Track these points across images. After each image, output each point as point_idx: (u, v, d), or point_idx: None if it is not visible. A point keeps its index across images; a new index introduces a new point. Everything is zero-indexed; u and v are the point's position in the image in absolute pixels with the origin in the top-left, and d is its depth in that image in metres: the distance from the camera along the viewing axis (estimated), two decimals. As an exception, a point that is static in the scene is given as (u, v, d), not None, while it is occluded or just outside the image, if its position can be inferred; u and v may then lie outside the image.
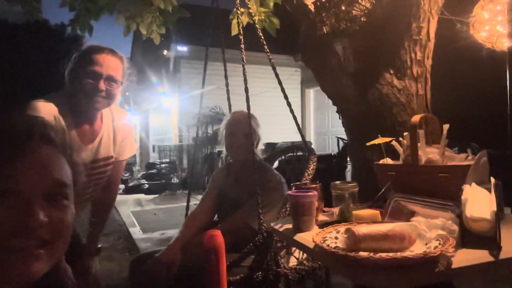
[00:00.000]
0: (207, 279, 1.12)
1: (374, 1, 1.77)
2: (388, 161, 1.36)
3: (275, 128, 7.18)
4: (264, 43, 1.92)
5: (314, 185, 1.23)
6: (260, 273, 1.50)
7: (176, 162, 9.09)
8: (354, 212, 1.11)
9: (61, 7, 2.63)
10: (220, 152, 8.78)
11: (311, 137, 9.11)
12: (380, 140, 1.34)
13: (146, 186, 8.04)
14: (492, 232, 0.88)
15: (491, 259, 0.84)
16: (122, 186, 7.77)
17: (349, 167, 5.43)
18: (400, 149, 1.32)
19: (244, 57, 1.79)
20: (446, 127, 1.26)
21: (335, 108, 1.97)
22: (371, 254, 0.77)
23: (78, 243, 1.59)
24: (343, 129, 1.98)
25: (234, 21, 2.39)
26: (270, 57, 1.93)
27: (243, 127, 1.82)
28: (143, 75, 9.11)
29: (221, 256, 1.14)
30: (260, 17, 2.32)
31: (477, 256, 0.84)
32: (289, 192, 1.14)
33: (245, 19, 2.32)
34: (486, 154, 1.17)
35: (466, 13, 1.83)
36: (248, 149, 1.84)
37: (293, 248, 1.66)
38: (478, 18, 1.73)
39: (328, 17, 1.81)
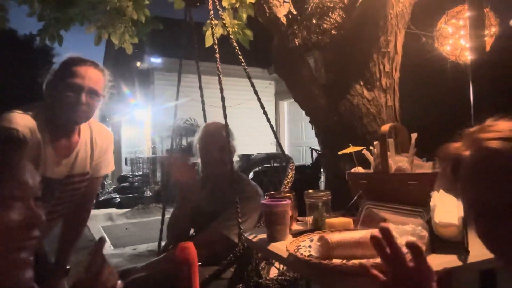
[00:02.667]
0: (180, 293, 1.09)
1: (344, 15, 1.82)
2: (359, 169, 1.38)
3: (250, 140, 7.20)
4: (239, 53, 1.93)
5: (287, 194, 1.24)
6: (241, 285, 1.48)
7: (149, 174, 8.91)
8: (327, 220, 1.12)
9: (28, 16, 2.55)
10: (195, 164, 8.65)
11: (285, 148, 9.18)
12: (351, 149, 1.37)
13: (118, 200, 7.82)
14: (460, 237, 0.91)
15: (459, 263, 0.86)
16: (92, 201, 7.51)
17: (322, 178, 5.50)
18: (370, 158, 1.34)
19: (220, 66, 1.80)
20: (414, 136, 1.29)
21: (308, 119, 2.00)
22: (344, 261, 0.78)
23: (46, 263, 1.51)
24: (316, 140, 2.01)
25: (208, 33, 2.40)
26: (245, 66, 1.94)
27: (217, 140, 1.81)
28: (115, 86, 8.95)
29: (194, 268, 1.12)
30: (233, 29, 2.34)
31: (446, 260, 0.86)
32: (263, 201, 1.14)
33: (218, 31, 2.34)
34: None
35: (431, 28, 1.92)
36: (223, 161, 1.83)
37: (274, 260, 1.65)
38: (442, 32, 1.82)
39: (300, 30, 1.85)
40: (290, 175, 1.89)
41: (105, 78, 1.46)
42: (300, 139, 9.03)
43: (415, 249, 0.61)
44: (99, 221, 6.14)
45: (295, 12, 1.88)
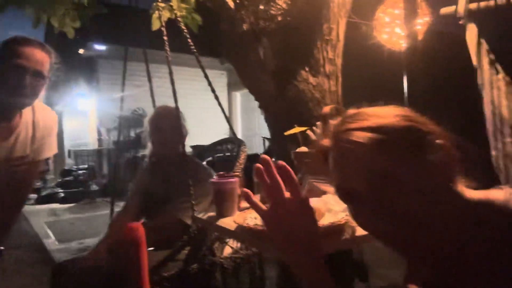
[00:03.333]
0: (128, 272, 1.09)
1: (289, 2, 1.88)
2: (304, 149, 1.46)
3: (202, 130, 7.13)
4: (188, 36, 1.92)
5: (235, 173, 1.27)
6: (195, 265, 1.50)
7: (95, 168, 8.54)
8: (273, 195, 1.17)
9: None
10: (144, 156, 8.41)
11: (239, 137, 9.25)
12: (296, 130, 1.43)
13: (62, 194, 7.43)
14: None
15: (389, 226, 0.94)
16: (33, 196, 7.06)
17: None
18: (313, 137, 1.42)
19: (168, 49, 1.78)
20: (353, 116, 1.39)
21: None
22: (286, 227, 0.83)
23: None
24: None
25: (155, 16, 2.35)
26: (195, 51, 1.94)
27: (169, 121, 1.80)
28: (61, 69, 8.43)
29: (142, 248, 1.12)
30: (181, 13, 2.31)
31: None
32: (212, 179, 1.17)
33: (166, 14, 2.29)
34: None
35: (370, 17, 2.04)
36: (175, 142, 1.82)
37: (229, 240, 1.69)
38: (380, 21, 1.94)
39: (248, 15, 1.88)
40: (242, 157, 1.94)
41: (51, 60, 1.39)
42: (253, 130, 9.13)
43: (286, 174, 0.64)
44: (42, 217, 5.80)
45: (242, -2, 1.90)
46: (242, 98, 9.90)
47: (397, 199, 0.54)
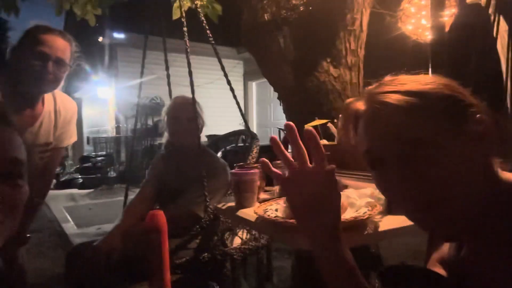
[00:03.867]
0: (149, 260, 1.10)
1: (312, -9, 1.84)
2: (324, 142, 1.44)
3: (217, 120, 7.16)
4: (207, 27, 1.91)
5: (256, 165, 1.27)
6: (206, 254, 1.51)
7: (113, 155, 8.69)
8: (293, 187, 1.17)
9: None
10: (161, 145, 8.50)
11: (253, 129, 9.23)
12: (317, 122, 1.42)
13: (80, 180, 7.60)
14: (413, 200, 0.98)
15: (411, 223, 0.93)
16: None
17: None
18: (334, 130, 1.40)
19: (187, 40, 1.77)
20: (376, 109, 1.36)
21: (277, 101, 2.03)
22: (308, 220, 0.82)
23: None
24: (284, 121, 2.04)
25: (176, 5, 2.35)
26: (213, 42, 1.93)
27: (186, 111, 1.80)
28: (81, 58, 8.56)
29: (164, 235, 1.13)
30: (202, 3, 2.30)
31: (401, 220, 0.93)
32: (232, 170, 1.17)
33: (186, 4, 2.29)
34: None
35: (395, 7, 1.99)
36: (192, 133, 1.83)
37: (238, 230, 1.70)
38: (405, 12, 1.89)
39: (269, 4, 1.86)
40: (255, 151, 1.93)
41: (72, 48, 1.43)
42: (268, 120, 9.11)
43: (313, 141, 0.61)
44: (60, 202, 5.96)
45: (265, -13, 1.88)
46: (257, 88, 9.86)
47: (428, 167, 0.53)
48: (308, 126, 1.41)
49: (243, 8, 1.93)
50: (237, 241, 1.75)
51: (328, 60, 1.84)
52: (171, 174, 1.89)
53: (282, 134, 6.43)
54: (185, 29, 1.80)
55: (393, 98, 0.56)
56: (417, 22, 1.90)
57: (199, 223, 1.61)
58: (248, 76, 9.70)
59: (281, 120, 8.96)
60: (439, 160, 0.53)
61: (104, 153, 8.70)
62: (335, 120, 1.42)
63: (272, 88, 2.07)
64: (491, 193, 0.54)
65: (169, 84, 2.37)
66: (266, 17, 1.85)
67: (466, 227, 0.56)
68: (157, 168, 2.00)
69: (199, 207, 1.70)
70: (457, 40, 1.72)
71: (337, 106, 1.83)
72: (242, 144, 2.31)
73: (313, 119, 1.54)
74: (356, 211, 0.90)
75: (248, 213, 1.08)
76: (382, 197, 0.96)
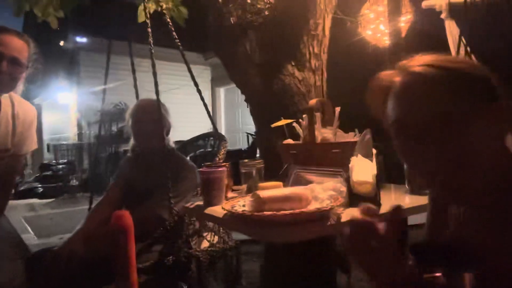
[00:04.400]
0: (116, 261, 1.09)
1: (276, -4, 1.90)
2: (290, 141, 1.49)
3: (184, 126, 7.09)
4: (173, 29, 1.92)
5: (223, 163, 1.29)
6: (171, 257, 1.50)
7: (75, 162, 8.38)
8: (260, 184, 1.20)
9: None
10: (126, 151, 8.31)
11: (222, 132, 9.24)
12: (282, 122, 1.46)
13: (40, 189, 7.26)
14: (373, 193, 1.04)
15: (372, 214, 0.98)
16: (10, 191, 6.87)
17: (257, 161, 5.66)
18: (300, 130, 1.45)
19: (151, 42, 1.77)
20: (337, 109, 1.42)
21: (245, 106, 2.06)
22: (274, 212, 0.85)
23: None
24: (253, 126, 2.07)
25: (141, 7, 2.33)
26: (179, 44, 1.93)
27: (151, 113, 1.78)
28: (41, 61, 8.22)
29: (130, 236, 1.13)
30: (168, 6, 2.30)
31: (361, 212, 0.98)
32: (200, 169, 1.18)
33: (152, 6, 2.28)
34: (370, 132, 1.35)
35: (355, 13, 2.09)
36: (158, 135, 1.81)
37: (205, 233, 1.70)
38: (365, 18, 1.99)
39: (235, 8, 1.89)
40: (222, 152, 1.95)
41: (30, 49, 1.39)
42: (237, 125, 9.14)
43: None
44: (20, 212, 5.66)
45: (230, -9, 1.92)
46: (225, 94, 9.88)
47: (452, 137, 0.58)
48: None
49: (209, 11, 1.95)
50: (205, 244, 1.75)
51: (293, 63, 1.90)
52: (137, 176, 1.87)
53: (251, 139, 6.43)
54: (149, 29, 1.79)
55: (427, 71, 0.60)
56: (376, 28, 2.00)
57: (164, 225, 1.59)
58: (215, 82, 9.70)
59: (250, 125, 9.01)
60: (463, 132, 0.58)
61: (65, 160, 8.37)
62: (300, 120, 1.46)
63: (240, 94, 2.10)
64: (505, 166, 0.60)
65: (136, 88, 2.34)
66: (232, 21, 1.88)
67: (477, 194, 0.61)
68: (123, 171, 1.97)
69: (166, 209, 1.69)
70: (414, 45, 1.83)
71: (302, 107, 1.88)
72: (211, 149, 2.32)
73: (278, 120, 1.58)
74: (320, 203, 0.93)
75: (216, 210, 1.09)
76: (344, 189, 1.01)
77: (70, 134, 8.88)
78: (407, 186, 1.23)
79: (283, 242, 0.88)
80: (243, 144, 8.08)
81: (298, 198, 0.92)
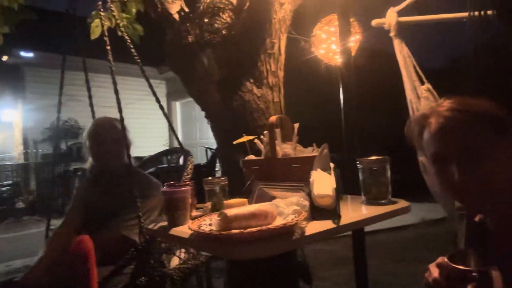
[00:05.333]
0: (77, 286, 1.05)
1: (233, 16, 1.95)
2: (252, 157, 1.52)
3: (141, 141, 6.93)
4: (131, 46, 1.90)
5: (187, 182, 1.29)
6: (143, 278, 1.47)
7: (21, 183, 7.84)
8: (225, 202, 1.21)
9: None
10: (77, 170, 7.94)
11: (178, 149, 9.09)
12: (245, 139, 1.50)
13: (-18, 214, 6.70)
14: (333, 205, 1.09)
15: (333, 226, 1.03)
16: None
17: (217, 175, 5.64)
18: (261, 146, 1.49)
19: (111, 60, 1.75)
20: (296, 125, 1.48)
21: (203, 120, 2.08)
22: (241, 230, 0.87)
23: None
24: (211, 140, 2.10)
25: (94, 24, 2.30)
26: (139, 61, 1.92)
27: (110, 132, 1.75)
28: None
29: (91, 261, 1.09)
30: (123, 23, 2.28)
31: (324, 225, 1.03)
32: (164, 189, 1.17)
33: (106, 23, 2.24)
34: (327, 147, 1.42)
35: (309, 33, 2.19)
36: (118, 155, 1.78)
37: (177, 250, 1.68)
38: (317, 38, 2.09)
39: (193, 27, 1.92)
40: (190, 167, 1.95)
41: None
42: (194, 139, 9.04)
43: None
44: (-43, 240, 5.19)
45: (187, 10, 1.94)
46: (182, 108, 9.78)
47: (479, 164, 0.77)
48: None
49: (167, 29, 1.96)
50: (175, 261, 1.72)
51: (252, 80, 1.95)
52: (98, 198, 1.81)
53: (209, 153, 6.36)
54: (108, 47, 1.77)
55: (457, 115, 0.80)
56: (328, 47, 2.11)
57: (133, 247, 1.56)
58: (171, 96, 9.58)
59: (208, 139, 8.96)
60: (488, 159, 0.77)
61: (10, 182, 7.80)
62: (262, 137, 1.50)
63: (197, 107, 2.12)
64: None
65: (91, 106, 2.28)
66: (189, 39, 1.90)
67: (502, 208, 0.79)
68: (82, 194, 1.90)
69: (132, 230, 1.65)
70: (364, 62, 1.95)
71: (261, 123, 1.93)
72: (174, 164, 2.29)
73: (240, 136, 1.61)
74: (285, 218, 0.97)
75: (182, 230, 1.09)
76: (306, 203, 1.06)
77: (14, 154, 8.31)
78: (363, 197, 1.30)
79: (251, 259, 0.90)
80: (201, 159, 8.02)
81: (264, 215, 0.95)
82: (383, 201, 1.25)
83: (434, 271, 0.77)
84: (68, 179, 7.09)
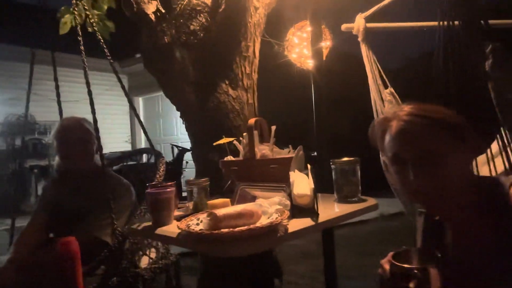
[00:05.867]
0: (64, 288, 1.06)
1: (209, 19, 1.98)
2: (230, 158, 1.58)
3: (102, 137, 6.72)
4: (102, 41, 1.89)
5: (170, 183, 1.32)
6: (115, 279, 1.48)
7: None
8: (209, 202, 1.26)
9: None
10: (33, 167, 7.57)
11: (142, 145, 8.90)
12: (224, 140, 1.55)
13: None
14: (312, 204, 1.18)
15: (312, 223, 1.12)
16: None
17: (184, 173, 5.61)
18: (240, 147, 1.55)
19: (85, 59, 1.73)
20: (273, 128, 1.56)
21: (167, 116, 2.10)
22: (231, 229, 0.93)
23: None
24: (174, 136, 2.12)
25: (64, 20, 2.24)
26: (109, 57, 1.91)
27: (78, 132, 1.75)
28: None
29: (78, 262, 1.10)
30: (93, 19, 2.24)
31: (304, 222, 1.11)
32: (148, 190, 1.20)
33: (77, 19, 2.20)
34: (302, 149, 1.51)
35: (282, 38, 2.27)
36: (87, 155, 1.77)
37: (147, 250, 1.70)
38: (290, 42, 2.17)
39: (169, 28, 1.93)
40: (162, 169, 1.97)
41: None
42: (158, 136, 8.89)
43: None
44: None
45: (163, 11, 1.95)
46: (145, 103, 9.56)
47: (435, 167, 0.82)
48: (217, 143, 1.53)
49: (142, 29, 1.95)
50: (145, 261, 1.74)
51: (227, 82, 2.00)
52: (66, 199, 1.79)
53: (176, 150, 6.30)
54: (82, 47, 1.75)
55: (416, 120, 0.85)
56: (300, 51, 2.21)
57: (104, 247, 1.56)
58: (133, 91, 9.32)
59: (172, 135, 8.84)
60: (443, 164, 0.82)
61: (-43, 180, 7.29)
62: (241, 138, 1.56)
63: (161, 103, 2.14)
64: (471, 187, 0.86)
65: (59, 104, 2.23)
66: (166, 40, 1.91)
67: (454, 210, 0.86)
68: (49, 194, 1.87)
69: (103, 230, 1.65)
70: (334, 66, 2.05)
71: (236, 124, 1.99)
72: (135, 162, 2.28)
73: (216, 137, 1.66)
74: (269, 217, 1.04)
75: (168, 230, 1.13)
76: (288, 203, 1.13)
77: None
78: (335, 195, 1.40)
79: (239, 256, 0.96)
80: (167, 156, 7.91)
81: (250, 214, 1.01)
82: (354, 199, 1.36)
83: (385, 268, 0.87)
84: (24, 176, 6.77)
